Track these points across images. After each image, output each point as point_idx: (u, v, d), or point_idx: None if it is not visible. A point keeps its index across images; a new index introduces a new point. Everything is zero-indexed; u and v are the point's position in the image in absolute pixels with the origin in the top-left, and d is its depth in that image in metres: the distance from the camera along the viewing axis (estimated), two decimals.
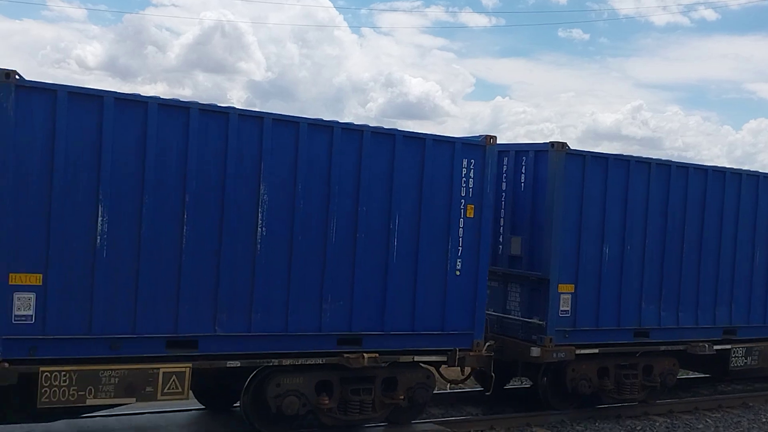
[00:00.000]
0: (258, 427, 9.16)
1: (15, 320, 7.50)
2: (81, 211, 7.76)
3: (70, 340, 7.78)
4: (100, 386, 7.89)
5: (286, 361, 8.98)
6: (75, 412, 8.46)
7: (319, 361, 9.19)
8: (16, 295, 7.50)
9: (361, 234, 9.34)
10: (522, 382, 13.29)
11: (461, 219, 10.05)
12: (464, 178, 10.04)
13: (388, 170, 9.51)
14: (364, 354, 9.31)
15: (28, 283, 7.55)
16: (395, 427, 9.91)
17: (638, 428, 11.25)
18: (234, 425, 9.79)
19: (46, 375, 7.62)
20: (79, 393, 7.79)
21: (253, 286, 8.70)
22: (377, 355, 9.42)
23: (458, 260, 10.05)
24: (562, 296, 11.15)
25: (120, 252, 7.95)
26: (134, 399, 8.18)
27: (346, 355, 9.28)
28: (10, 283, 7.46)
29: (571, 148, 11.14)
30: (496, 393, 11.75)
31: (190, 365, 8.36)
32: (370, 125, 9.49)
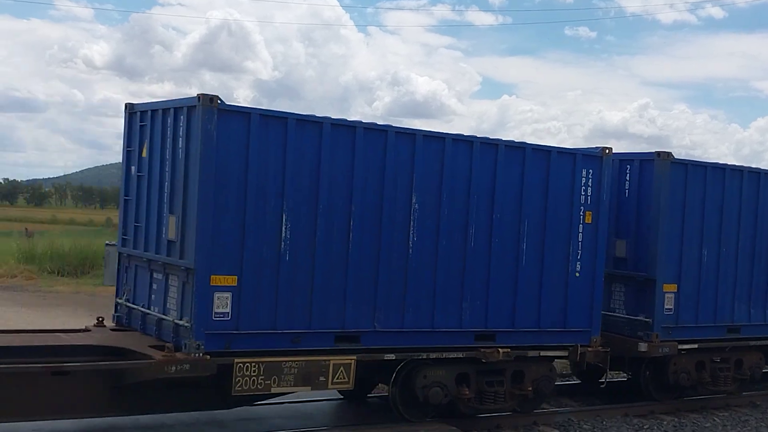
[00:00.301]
0: (404, 415, 10.04)
1: (215, 317, 8.44)
2: (269, 219, 8.69)
3: (259, 335, 8.72)
4: (283, 376, 8.82)
5: (433, 355, 9.87)
6: (258, 399, 9.40)
7: (460, 355, 10.07)
8: (216, 295, 8.44)
9: (496, 239, 10.21)
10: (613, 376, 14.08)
11: (581, 225, 10.90)
12: (583, 187, 10.89)
13: (518, 180, 10.38)
14: (499, 349, 10.20)
15: (226, 284, 8.49)
16: (407, 425, 9.94)
17: (645, 427, 11.18)
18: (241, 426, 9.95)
19: (240, 366, 8.56)
20: (266, 382, 8.73)
21: (405, 286, 9.60)
22: (509, 349, 10.30)
23: (578, 263, 10.90)
24: (666, 295, 11.99)
25: (299, 257, 8.88)
26: (309, 387, 9.12)
27: (482, 350, 10.16)
28: (211, 284, 8.40)
29: (676, 157, 11.97)
30: (591, 387, 12.65)
31: (355, 358, 9.28)
32: (503, 139, 10.36)
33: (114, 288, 10.41)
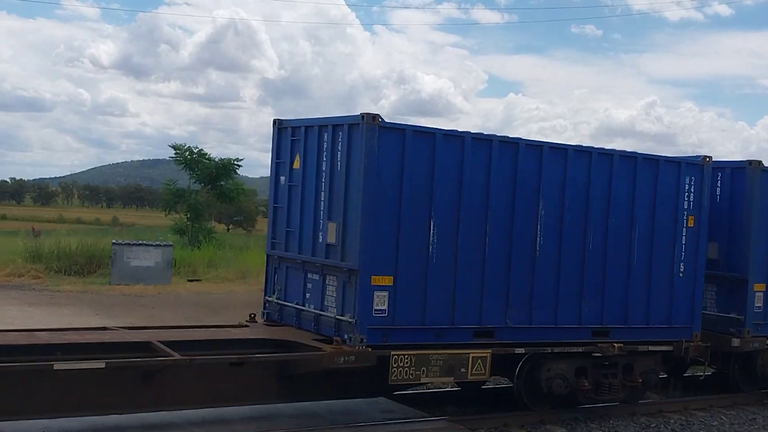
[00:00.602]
0: (528, 405, 10.92)
1: (374, 313, 9.38)
2: (419, 225, 9.61)
3: (410, 330, 9.65)
4: (430, 367, 9.74)
5: (556, 349, 10.76)
6: (406, 387, 10.33)
7: (579, 349, 10.96)
8: (375, 294, 9.37)
9: (611, 242, 11.08)
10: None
11: (684, 228, 11.77)
12: (686, 193, 11.76)
13: (630, 187, 11.25)
14: (614, 344, 11.08)
15: (384, 284, 9.42)
16: (407, 423, 9.97)
17: (653, 425, 11.19)
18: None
19: (395, 357, 9.48)
20: (416, 372, 9.65)
21: (533, 286, 10.50)
22: (623, 344, 11.18)
23: (681, 264, 11.76)
24: (756, 294, 12.84)
25: (444, 259, 9.79)
26: (452, 378, 10.05)
27: (599, 345, 11.04)
28: (372, 284, 9.34)
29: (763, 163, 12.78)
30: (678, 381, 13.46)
31: (491, 351, 10.19)
32: (617, 149, 11.23)
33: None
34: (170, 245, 24.68)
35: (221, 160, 33.89)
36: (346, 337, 9.38)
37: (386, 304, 9.46)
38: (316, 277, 10.07)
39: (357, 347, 9.26)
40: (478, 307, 10.11)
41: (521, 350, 10.51)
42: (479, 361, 10.11)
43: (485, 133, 10.28)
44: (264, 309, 11.00)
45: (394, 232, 9.47)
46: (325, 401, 10.21)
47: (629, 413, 11.53)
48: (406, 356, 9.58)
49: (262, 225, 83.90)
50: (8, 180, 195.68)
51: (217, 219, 51.61)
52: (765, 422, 11.82)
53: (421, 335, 9.75)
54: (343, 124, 9.62)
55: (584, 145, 11.11)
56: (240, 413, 9.65)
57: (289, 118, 10.96)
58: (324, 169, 9.93)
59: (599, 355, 11.13)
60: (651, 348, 11.61)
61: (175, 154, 32.69)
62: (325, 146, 9.92)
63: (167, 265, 23.62)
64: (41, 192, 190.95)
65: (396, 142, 9.44)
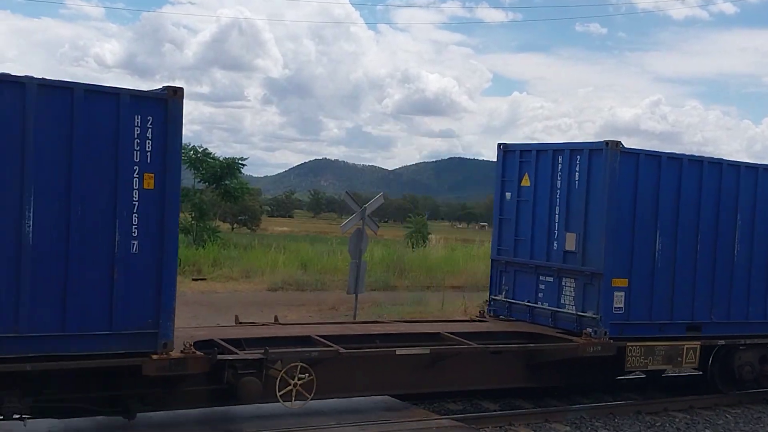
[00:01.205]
0: (721, 388, 12.53)
1: (614, 311, 11.04)
2: (648, 235, 11.26)
3: (640, 325, 11.30)
4: (654, 356, 11.38)
5: (748, 341, 12.36)
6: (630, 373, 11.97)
7: (765, 341, 12.55)
8: (615, 294, 11.03)
9: (756, 247, 12.54)
10: None
11: None
12: None
13: None
14: None
15: (621, 285, 11.08)
16: (412, 422, 9.84)
17: (657, 424, 11.10)
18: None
19: (630, 348, 11.14)
20: (644, 360, 11.30)
21: (731, 287, 12.12)
22: None
23: None
24: None
25: (665, 265, 11.42)
26: (670, 366, 11.70)
27: None
28: (612, 285, 11.00)
29: None
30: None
31: (700, 343, 11.81)
32: (759, 163, 12.66)
33: None
34: None
35: (226, 159, 34.45)
36: (590, 330, 11.03)
37: (623, 302, 11.11)
38: (550, 279, 11.73)
39: (602, 339, 10.91)
40: (690, 305, 11.73)
41: (722, 342, 12.13)
42: (691, 351, 11.73)
43: (691, 154, 11.89)
44: (490, 306, 12.68)
45: (629, 241, 11.12)
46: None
47: (634, 411, 11.44)
48: (638, 347, 11.23)
49: (267, 224, 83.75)
50: None
51: (221, 218, 52.03)
52: None
53: (648, 329, 11.40)
54: (582, 149, 11.28)
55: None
56: (244, 412, 9.69)
57: (513, 142, 12.65)
58: (559, 186, 11.58)
59: None
60: None
61: None
62: (560, 167, 11.57)
63: None
64: None
65: (631, 164, 11.09)
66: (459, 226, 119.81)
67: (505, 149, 12.58)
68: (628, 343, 11.17)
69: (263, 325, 10.77)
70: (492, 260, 12.78)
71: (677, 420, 11.35)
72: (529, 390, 11.64)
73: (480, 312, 12.66)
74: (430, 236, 40.31)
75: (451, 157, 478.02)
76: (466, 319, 12.66)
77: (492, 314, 12.66)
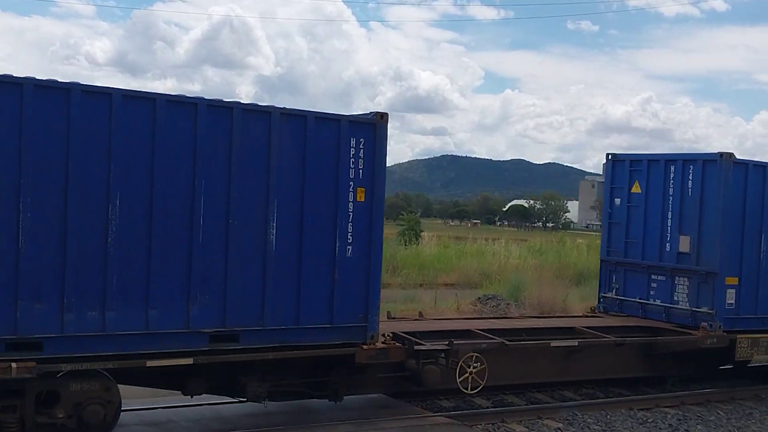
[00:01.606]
0: None
1: (727, 306, 12.24)
2: (753, 237, 12.44)
3: (748, 319, 12.50)
4: (758, 348, 12.57)
5: None
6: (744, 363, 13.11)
7: None
8: (727, 291, 12.23)
9: None
10: None
11: None
12: None
13: None
14: None
15: (732, 283, 12.27)
16: (406, 419, 9.88)
17: (650, 420, 10.98)
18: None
19: (740, 340, 12.33)
20: (751, 351, 12.49)
21: None
22: None
23: None
24: None
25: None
26: None
27: None
28: (725, 283, 12.19)
29: None
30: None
31: None
32: None
33: None
34: None
35: None
36: (706, 324, 12.20)
37: (734, 298, 12.31)
38: (662, 278, 12.91)
39: (717, 332, 12.10)
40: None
41: None
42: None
43: None
44: (600, 303, 13.86)
45: (739, 243, 12.32)
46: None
47: (626, 408, 11.39)
48: (746, 339, 12.42)
49: None
50: None
51: None
52: (762, 416, 11.74)
53: (755, 323, 12.60)
54: (696, 159, 12.46)
55: None
56: (239, 410, 9.91)
57: (624, 152, 13.86)
58: (671, 193, 12.75)
59: None
60: None
61: None
62: (672, 176, 12.75)
63: None
64: None
65: (740, 174, 12.27)
66: (452, 223, 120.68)
67: (614, 159, 13.75)
68: (739, 336, 12.36)
69: (415, 320, 11.94)
70: (601, 260, 13.95)
71: (669, 416, 11.22)
72: (521, 386, 11.72)
73: (591, 308, 13.85)
74: (422, 234, 41.13)
75: (443, 155, 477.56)
76: (581, 315, 13.84)
77: (602, 310, 13.83)
